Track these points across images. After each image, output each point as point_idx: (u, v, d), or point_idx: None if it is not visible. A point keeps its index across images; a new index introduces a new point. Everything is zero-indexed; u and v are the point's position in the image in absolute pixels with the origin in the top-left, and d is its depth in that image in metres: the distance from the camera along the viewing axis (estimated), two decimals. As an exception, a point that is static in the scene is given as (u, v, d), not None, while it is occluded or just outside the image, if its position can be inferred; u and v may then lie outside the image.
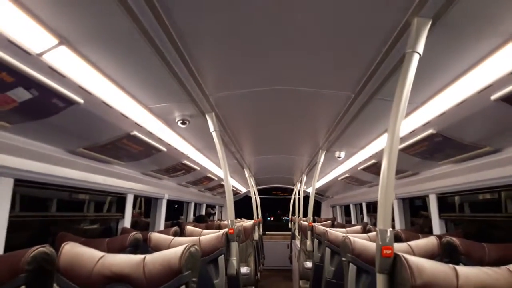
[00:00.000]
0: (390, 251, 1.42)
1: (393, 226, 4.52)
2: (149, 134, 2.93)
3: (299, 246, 5.81)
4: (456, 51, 1.64)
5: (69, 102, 1.92)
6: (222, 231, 2.68)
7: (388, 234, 1.44)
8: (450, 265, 1.36)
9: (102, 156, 3.02)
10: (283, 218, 12.03)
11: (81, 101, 1.96)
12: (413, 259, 1.36)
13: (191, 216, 7.19)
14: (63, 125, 2.25)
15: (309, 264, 4.76)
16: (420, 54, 1.47)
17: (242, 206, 10.14)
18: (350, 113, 2.76)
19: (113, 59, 1.78)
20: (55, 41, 1.50)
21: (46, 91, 1.74)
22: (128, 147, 2.99)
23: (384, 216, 1.48)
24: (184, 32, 1.62)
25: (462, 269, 1.33)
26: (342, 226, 5.60)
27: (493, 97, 1.83)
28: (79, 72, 1.78)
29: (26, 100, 1.75)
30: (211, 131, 2.80)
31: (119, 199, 4.04)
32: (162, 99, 2.41)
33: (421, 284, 1.29)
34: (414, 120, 2.55)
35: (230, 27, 1.62)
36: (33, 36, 1.44)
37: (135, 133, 2.75)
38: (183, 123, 2.86)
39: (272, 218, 12.43)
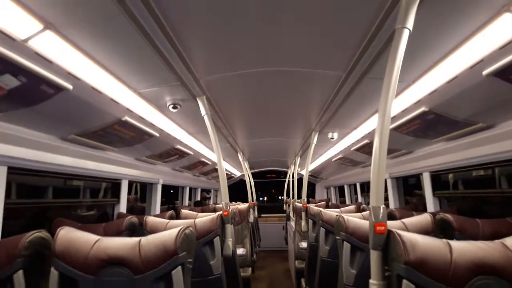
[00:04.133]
0: (383, 228, 1.43)
1: (387, 205, 4.57)
2: (141, 119, 2.91)
3: (294, 227, 5.86)
4: (446, 25, 1.62)
5: (58, 88, 1.90)
6: (217, 213, 2.69)
7: (381, 211, 1.44)
8: (444, 240, 1.36)
9: (95, 142, 3.01)
10: (280, 198, 12.03)
11: (70, 87, 1.94)
12: (406, 235, 1.36)
13: (186, 201, 7.22)
14: (53, 112, 2.23)
15: (304, 244, 4.81)
16: (410, 30, 1.45)
17: (237, 190, 10.20)
18: (341, 93, 2.75)
19: (101, 43, 1.75)
20: (40, 26, 1.47)
21: (34, 77, 1.72)
22: (120, 133, 2.97)
23: (376, 193, 1.48)
24: (171, 14, 1.60)
25: (455, 244, 1.34)
26: (337, 207, 5.64)
27: (484, 72, 1.82)
28: (67, 58, 1.76)
29: (15, 87, 1.73)
30: (202, 115, 2.78)
31: (114, 184, 4.05)
32: (152, 83, 2.38)
33: (415, 259, 1.30)
34: (406, 98, 2.55)
35: (217, 9, 1.59)
36: (17, 22, 1.41)
37: (127, 118, 2.73)
38: (174, 107, 2.84)
39: (266, 198, 12.48)
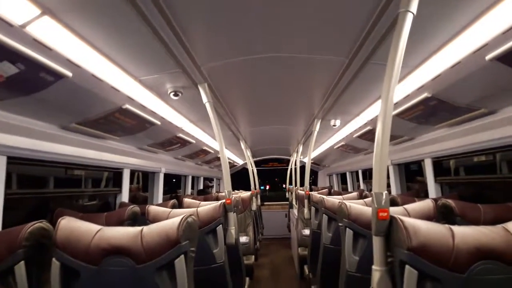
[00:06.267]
0: (386, 214, 1.42)
1: (389, 192, 4.57)
2: (142, 107, 2.90)
3: (296, 214, 5.88)
4: (450, 9, 1.60)
5: (58, 75, 1.89)
6: (219, 202, 2.69)
7: (384, 197, 1.44)
8: (446, 225, 1.36)
9: (96, 131, 3.00)
10: (283, 186, 11.94)
11: (69, 74, 1.92)
12: (408, 221, 1.36)
13: (188, 190, 7.23)
14: (53, 100, 2.22)
15: (307, 231, 4.83)
16: (413, 14, 1.43)
17: (240, 178, 10.22)
18: (344, 79, 2.73)
19: (100, 29, 1.73)
20: (37, 11, 1.44)
21: (33, 64, 1.70)
22: (121, 121, 2.96)
23: (379, 180, 1.48)
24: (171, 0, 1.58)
25: (458, 229, 1.33)
26: (339, 194, 5.65)
27: (488, 57, 1.80)
28: (66, 44, 1.73)
29: (13, 74, 1.71)
30: (204, 103, 2.77)
31: (116, 174, 4.05)
32: (153, 70, 2.36)
33: (417, 245, 1.30)
34: (408, 84, 2.53)
35: None
36: (14, 6, 1.39)
37: (127, 106, 2.71)
38: (175, 94, 2.83)
39: (268, 187, 12.42)
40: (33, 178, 3.01)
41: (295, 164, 7.64)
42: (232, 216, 2.72)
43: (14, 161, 2.35)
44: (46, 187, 3.14)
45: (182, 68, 2.36)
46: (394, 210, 2.07)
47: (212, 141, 5.55)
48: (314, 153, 8.03)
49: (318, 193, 4.94)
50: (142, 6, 1.56)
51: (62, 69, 1.86)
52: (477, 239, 1.29)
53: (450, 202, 2.25)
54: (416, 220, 1.38)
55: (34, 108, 2.27)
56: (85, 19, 1.62)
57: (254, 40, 2.12)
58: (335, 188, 9.34)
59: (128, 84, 2.45)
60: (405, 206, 2.18)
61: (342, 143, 5.69)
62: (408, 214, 2.09)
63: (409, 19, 1.44)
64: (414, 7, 1.42)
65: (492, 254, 1.26)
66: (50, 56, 1.75)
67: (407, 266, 1.29)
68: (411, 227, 1.33)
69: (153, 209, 2.59)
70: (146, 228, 1.59)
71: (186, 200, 3.53)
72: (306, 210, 4.62)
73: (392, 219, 1.41)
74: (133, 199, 4.58)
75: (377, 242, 1.45)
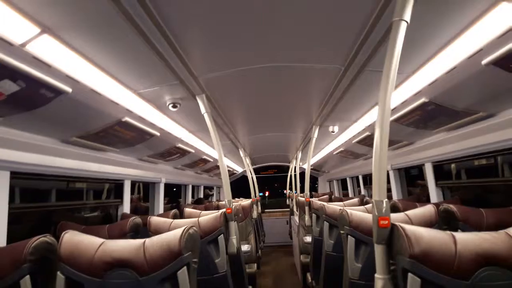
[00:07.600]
0: (386, 222, 1.42)
1: (390, 197, 4.57)
2: (141, 119, 2.91)
3: (298, 221, 5.86)
4: (444, 16, 1.62)
5: (58, 91, 1.91)
6: (220, 211, 2.69)
7: (384, 205, 1.44)
8: (448, 232, 1.36)
9: (96, 144, 3.01)
10: (284, 192, 11.85)
11: (69, 90, 1.94)
12: (410, 228, 1.36)
13: (189, 199, 7.22)
14: (54, 115, 2.23)
15: (308, 238, 4.82)
16: (407, 22, 1.44)
17: (240, 186, 10.20)
18: (341, 87, 2.75)
19: (98, 45, 1.75)
20: (36, 30, 1.47)
21: (33, 81, 1.72)
22: (121, 134, 2.97)
23: (379, 187, 1.48)
24: (168, 13, 1.59)
25: (460, 235, 1.34)
26: (340, 200, 5.64)
27: (484, 62, 1.82)
28: (65, 61, 1.75)
29: (14, 92, 1.73)
30: (202, 113, 2.78)
31: (117, 185, 4.05)
32: (151, 83, 2.38)
33: (419, 252, 1.30)
34: (405, 90, 2.54)
35: (214, 6, 1.59)
36: (14, 26, 1.41)
37: (127, 119, 2.73)
38: (174, 106, 2.84)
39: (267, 193, 12.27)
40: (35, 191, 3.01)
41: (295, 171, 7.64)
42: (233, 225, 2.72)
43: (17, 176, 2.36)
44: (48, 200, 3.14)
45: (180, 80, 2.38)
46: (395, 217, 2.07)
47: (211, 150, 5.55)
48: (314, 159, 8.03)
49: (319, 200, 4.94)
50: (139, 21, 1.58)
51: (61, 85, 1.87)
52: (480, 245, 1.29)
53: (452, 207, 2.25)
54: (417, 228, 1.38)
55: (36, 123, 2.28)
56: (83, 36, 1.64)
57: (250, 50, 2.14)
58: (336, 194, 9.32)
59: (127, 97, 2.46)
60: (407, 212, 2.18)
61: (341, 149, 5.69)
62: (410, 221, 2.09)
63: (403, 28, 1.45)
64: (407, 16, 1.43)
65: (495, 260, 1.26)
66: (50, 73, 1.76)
67: (409, 274, 1.29)
68: (413, 235, 1.33)
69: (154, 220, 2.59)
70: (148, 240, 1.60)
71: (187, 210, 3.54)
72: (307, 217, 4.61)
73: (394, 227, 1.41)
74: (134, 210, 4.58)
75: (379, 250, 1.45)
